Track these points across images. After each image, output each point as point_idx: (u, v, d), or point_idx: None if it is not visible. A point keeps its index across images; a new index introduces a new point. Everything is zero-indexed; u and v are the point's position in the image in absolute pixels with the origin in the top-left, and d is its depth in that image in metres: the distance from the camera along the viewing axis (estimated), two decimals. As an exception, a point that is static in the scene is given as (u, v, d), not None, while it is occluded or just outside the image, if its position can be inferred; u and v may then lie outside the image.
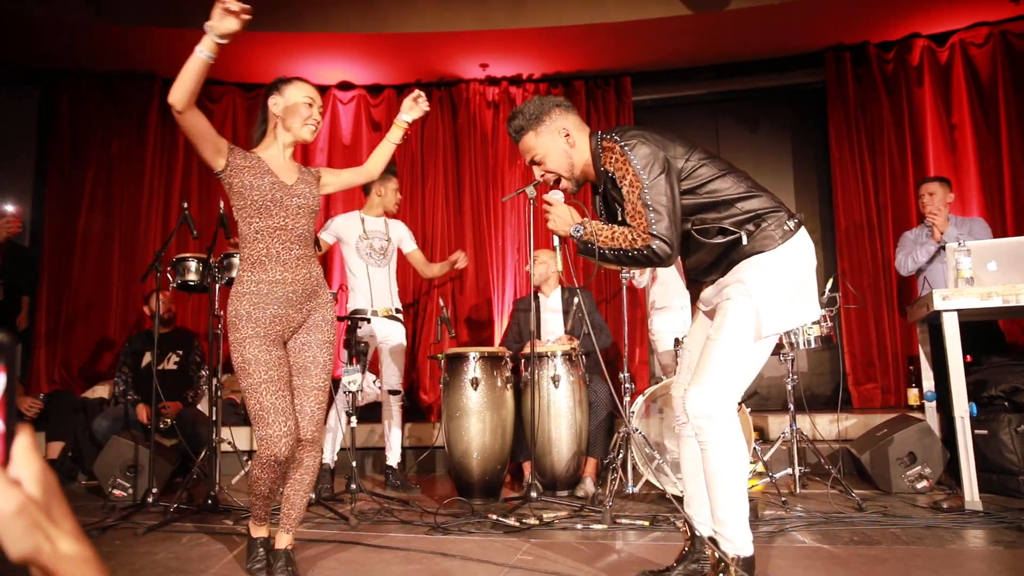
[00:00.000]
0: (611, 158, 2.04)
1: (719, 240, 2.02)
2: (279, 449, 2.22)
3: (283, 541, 2.40)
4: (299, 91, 2.39)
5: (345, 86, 6.13)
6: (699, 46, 5.64)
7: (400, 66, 5.86)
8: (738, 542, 1.96)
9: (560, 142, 2.15)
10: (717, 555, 1.98)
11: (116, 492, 3.83)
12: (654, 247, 1.95)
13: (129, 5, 5.13)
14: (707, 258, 2.09)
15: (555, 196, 2.17)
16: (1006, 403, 3.54)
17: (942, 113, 5.46)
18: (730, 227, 2.00)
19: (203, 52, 2.09)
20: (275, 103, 2.39)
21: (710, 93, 6.10)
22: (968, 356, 3.97)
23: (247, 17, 2.06)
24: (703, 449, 1.98)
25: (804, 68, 5.86)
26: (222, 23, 2.06)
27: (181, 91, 2.09)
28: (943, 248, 4.27)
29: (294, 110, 2.37)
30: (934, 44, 5.53)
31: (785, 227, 1.99)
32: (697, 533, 2.14)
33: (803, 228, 2.05)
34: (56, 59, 5.63)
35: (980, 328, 4.40)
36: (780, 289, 1.97)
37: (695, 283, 2.26)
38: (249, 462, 3.89)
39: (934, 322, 3.77)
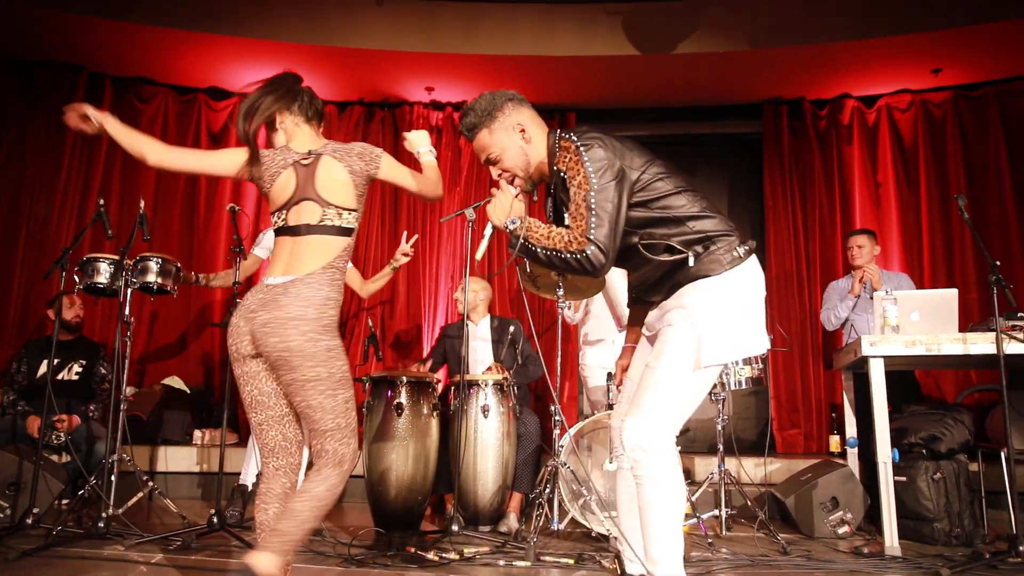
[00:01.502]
0: (565, 157, 1.95)
1: (665, 258, 1.95)
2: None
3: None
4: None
5: (285, 98, 5.94)
6: (644, 88, 5.74)
7: (344, 82, 5.74)
8: (670, 582, 1.86)
9: (516, 138, 2.05)
10: (648, 594, 1.88)
11: (-8, 512, 3.47)
12: (588, 252, 1.86)
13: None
14: (652, 275, 2.02)
15: (511, 188, 2.07)
16: (924, 451, 3.61)
17: (869, 170, 5.71)
18: (678, 246, 1.94)
19: None
20: (281, 121, 2.23)
21: (652, 135, 6.19)
22: (888, 406, 4.07)
23: None
24: (638, 483, 1.89)
25: (743, 118, 6.05)
26: None
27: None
28: (859, 298, 4.43)
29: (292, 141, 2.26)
30: (863, 105, 5.80)
31: (734, 253, 1.94)
32: (627, 571, 2.04)
33: (754, 257, 2.00)
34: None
35: (899, 379, 4.53)
36: (724, 317, 1.91)
37: (638, 303, 2.19)
38: (150, 482, 3.62)
39: (859, 370, 3.84)
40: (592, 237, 1.86)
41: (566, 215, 1.99)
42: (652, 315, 2.11)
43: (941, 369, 5.16)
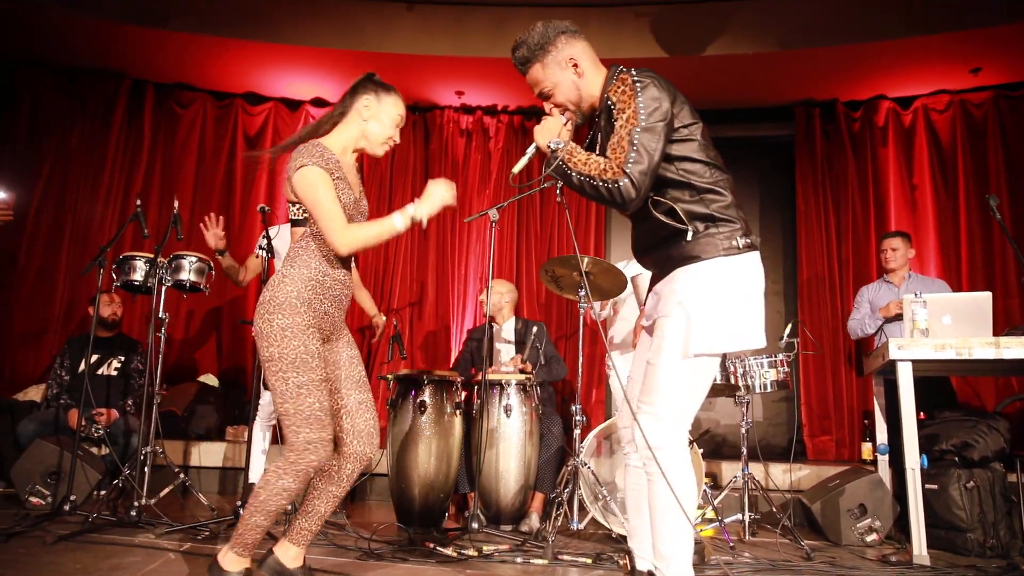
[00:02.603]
0: (619, 88, 1.94)
1: (664, 221, 1.95)
2: (325, 455, 2.08)
3: (297, 558, 2.19)
4: (396, 108, 2.24)
5: (319, 102, 6.07)
6: (673, 91, 5.70)
7: (376, 87, 5.83)
8: (678, 579, 1.86)
9: (568, 73, 2.04)
10: (656, 591, 1.88)
11: (33, 500, 3.60)
12: (621, 185, 1.86)
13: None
14: (650, 238, 2.03)
15: (562, 116, 2.08)
16: (956, 458, 3.52)
17: (904, 173, 5.59)
18: (682, 214, 1.93)
19: (400, 224, 2.12)
20: (367, 106, 2.21)
21: (682, 138, 6.15)
22: (923, 413, 3.97)
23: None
24: (651, 480, 1.89)
25: (775, 121, 5.98)
26: (432, 207, 2.13)
27: (361, 246, 2.13)
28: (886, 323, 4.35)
29: (383, 123, 2.22)
30: (899, 107, 5.68)
31: (733, 242, 1.92)
32: (637, 567, 2.04)
33: (754, 253, 1.97)
34: (17, 48, 5.46)
35: (934, 386, 4.42)
36: (714, 304, 1.89)
37: (639, 260, 2.20)
38: (181, 475, 3.71)
39: (889, 375, 3.76)
40: (628, 170, 1.86)
41: (605, 146, 1.98)
42: (649, 302, 2.11)
43: (978, 376, 5.02)
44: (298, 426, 2.03)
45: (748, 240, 1.95)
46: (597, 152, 2.01)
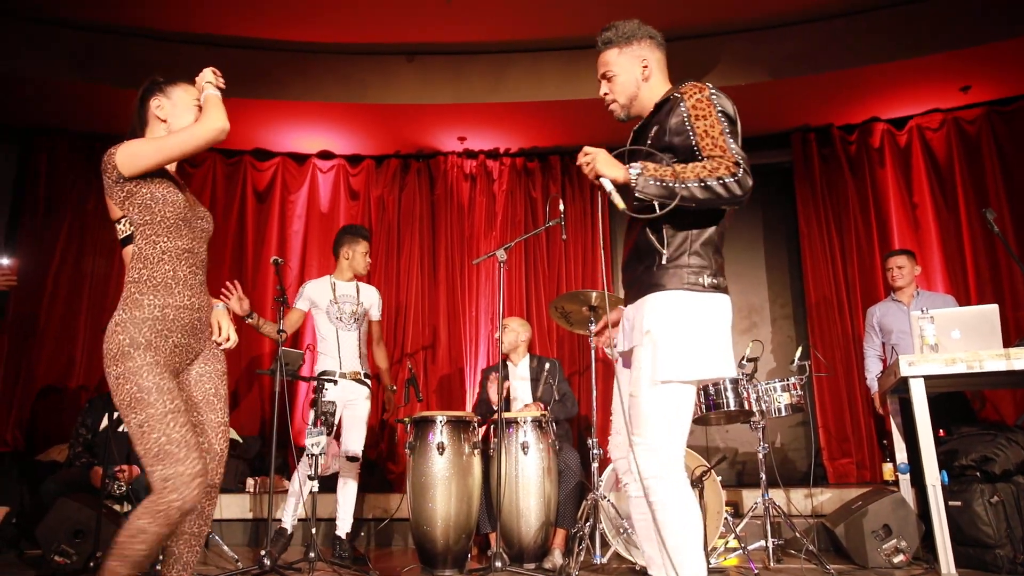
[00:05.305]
0: (695, 94, 2.01)
1: (645, 229, 2.03)
2: (191, 493, 1.89)
3: None
4: (186, 93, 2.18)
5: (325, 155, 6.23)
6: (671, 125, 5.82)
7: (379, 137, 5.99)
8: (698, 601, 1.88)
9: (636, 70, 2.15)
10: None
11: (58, 559, 3.62)
12: (739, 176, 1.89)
13: (116, 67, 5.22)
14: (635, 246, 2.10)
15: (602, 149, 2.04)
16: (978, 473, 3.50)
17: (904, 192, 5.65)
18: (665, 235, 2.01)
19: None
20: (159, 106, 2.18)
21: (682, 170, 6.25)
22: (941, 431, 3.96)
23: None
24: (654, 510, 1.93)
25: (772, 148, 6.06)
26: None
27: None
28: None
29: (182, 114, 2.17)
30: (893, 128, 5.77)
31: (700, 280, 1.98)
32: (660, 595, 2.05)
33: (718, 295, 2.01)
34: (38, 118, 5.66)
35: (950, 403, 4.41)
36: (677, 332, 1.95)
37: (623, 270, 2.20)
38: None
39: (903, 393, 3.77)
40: (740, 162, 1.91)
41: (659, 136, 2.03)
42: (623, 326, 2.18)
43: (991, 389, 5.00)
44: (151, 465, 1.91)
45: (715, 282, 2.01)
46: (645, 152, 2.03)
